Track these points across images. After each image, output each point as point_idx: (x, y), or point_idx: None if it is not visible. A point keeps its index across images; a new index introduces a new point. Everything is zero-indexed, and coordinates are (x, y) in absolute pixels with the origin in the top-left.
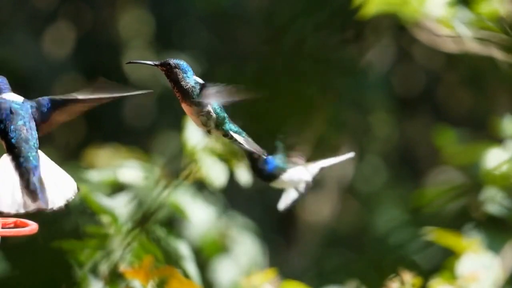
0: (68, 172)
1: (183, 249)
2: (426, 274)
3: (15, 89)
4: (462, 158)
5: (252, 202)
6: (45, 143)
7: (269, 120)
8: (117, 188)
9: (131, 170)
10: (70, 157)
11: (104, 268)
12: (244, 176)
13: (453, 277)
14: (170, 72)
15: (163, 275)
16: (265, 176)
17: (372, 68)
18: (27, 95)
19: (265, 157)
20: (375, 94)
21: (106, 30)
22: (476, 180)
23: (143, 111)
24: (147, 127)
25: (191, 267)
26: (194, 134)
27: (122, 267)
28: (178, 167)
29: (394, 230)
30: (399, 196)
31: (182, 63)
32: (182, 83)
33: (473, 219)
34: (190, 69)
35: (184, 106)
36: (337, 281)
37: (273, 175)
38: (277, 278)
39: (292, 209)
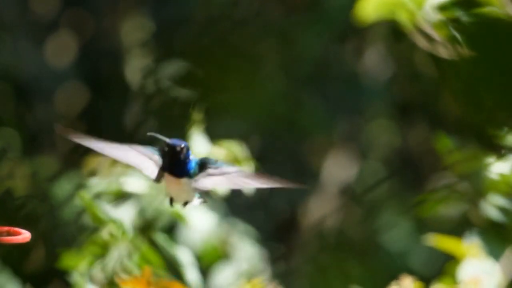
0: (70, 180)
1: (185, 256)
2: (427, 279)
3: (17, 97)
4: (463, 165)
5: (253, 209)
6: (47, 151)
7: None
8: (119, 196)
9: (134, 179)
10: (72, 165)
11: (104, 276)
12: None
13: (454, 282)
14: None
15: (163, 286)
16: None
17: (371, 74)
18: (29, 103)
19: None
20: (375, 101)
21: (108, 38)
22: (477, 186)
23: (145, 119)
24: (149, 136)
25: (193, 275)
26: (197, 143)
27: (120, 277)
28: None
29: (396, 236)
30: (401, 202)
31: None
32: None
33: (474, 224)
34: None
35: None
36: (340, 287)
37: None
38: (276, 285)
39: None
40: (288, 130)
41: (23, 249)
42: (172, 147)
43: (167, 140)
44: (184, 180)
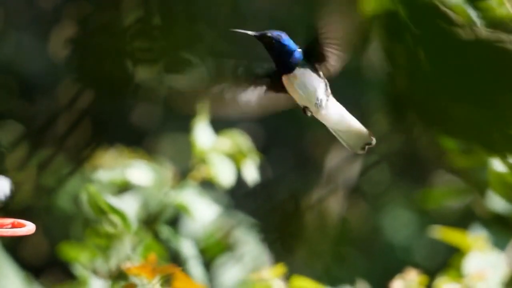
0: (75, 173)
1: (189, 249)
2: (431, 272)
3: (20, 90)
4: (467, 160)
5: (257, 201)
6: (50, 143)
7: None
8: (123, 188)
9: (139, 171)
10: (76, 158)
11: (109, 267)
12: (250, 174)
13: (459, 275)
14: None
15: (168, 273)
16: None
17: (374, 67)
18: (32, 96)
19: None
20: (378, 94)
21: (111, 32)
22: (481, 179)
23: (150, 112)
24: (153, 129)
25: (197, 267)
26: (202, 135)
27: (127, 265)
28: (185, 167)
29: (400, 228)
30: (404, 194)
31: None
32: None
33: (479, 217)
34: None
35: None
36: (344, 280)
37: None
38: (285, 276)
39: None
40: (291, 122)
41: (23, 238)
42: (270, 38)
43: (268, 33)
44: (300, 71)
